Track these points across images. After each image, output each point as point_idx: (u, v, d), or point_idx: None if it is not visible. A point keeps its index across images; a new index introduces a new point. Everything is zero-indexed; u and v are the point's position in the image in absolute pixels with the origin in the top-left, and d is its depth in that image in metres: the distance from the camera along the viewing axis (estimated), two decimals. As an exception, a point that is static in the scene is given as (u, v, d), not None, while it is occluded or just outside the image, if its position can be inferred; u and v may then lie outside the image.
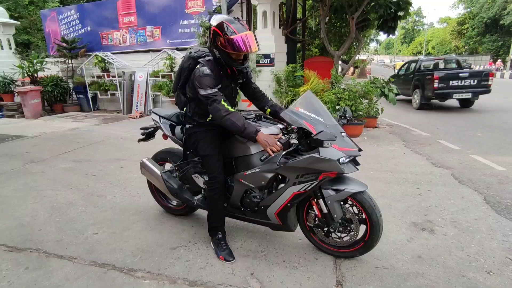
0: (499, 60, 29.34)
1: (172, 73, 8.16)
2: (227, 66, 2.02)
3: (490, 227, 2.52)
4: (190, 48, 2.28)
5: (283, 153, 1.86)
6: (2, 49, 9.96)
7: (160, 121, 2.53)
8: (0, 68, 8.87)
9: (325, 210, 1.97)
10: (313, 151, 1.81)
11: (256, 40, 1.94)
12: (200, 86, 1.95)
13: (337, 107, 5.67)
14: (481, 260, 2.10)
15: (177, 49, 8.35)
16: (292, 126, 1.95)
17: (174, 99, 2.39)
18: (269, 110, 2.26)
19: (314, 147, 1.80)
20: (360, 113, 5.83)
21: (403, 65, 11.40)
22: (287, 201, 1.96)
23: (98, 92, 9.14)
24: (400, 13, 6.25)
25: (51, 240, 2.41)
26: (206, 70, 1.96)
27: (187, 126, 2.25)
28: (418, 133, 6.00)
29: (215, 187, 2.11)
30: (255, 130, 1.90)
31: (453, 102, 9.22)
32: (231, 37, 1.85)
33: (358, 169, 1.87)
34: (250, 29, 1.99)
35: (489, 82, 8.26)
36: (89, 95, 9.22)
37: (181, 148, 2.47)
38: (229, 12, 7.08)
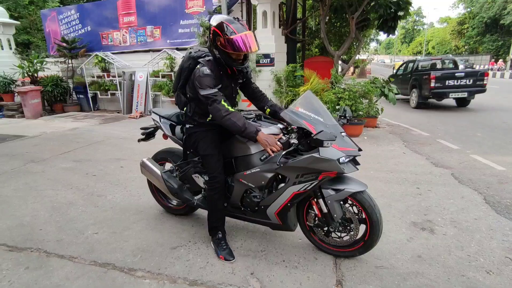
0: (500, 60, 29.32)
1: (172, 73, 8.16)
2: (227, 66, 2.02)
3: (490, 226, 2.53)
4: (190, 48, 2.29)
5: (283, 153, 1.87)
6: (2, 49, 9.96)
7: (160, 121, 2.53)
8: (0, 68, 8.88)
9: (325, 210, 1.97)
10: (313, 151, 1.81)
11: (256, 40, 1.94)
12: (200, 86, 1.95)
13: (337, 107, 5.67)
14: (481, 259, 2.11)
15: (177, 49, 8.35)
16: (292, 126, 1.96)
17: (174, 99, 2.39)
18: (268, 110, 2.27)
19: (314, 147, 1.80)
20: (360, 113, 5.83)
21: (401, 65, 11.58)
22: (287, 200, 1.96)
23: (98, 92, 9.14)
24: (400, 13, 6.25)
25: (51, 240, 2.42)
26: (206, 70, 1.96)
27: (187, 126, 2.25)
28: (418, 133, 6.01)
29: (215, 187, 2.11)
30: (255, 130, 1.90)
31: (450, 101, 9.32)
32: (231, 37, 1.86)
33: (358, 169, 1.88)
34: (250, 29, 1.99)
35: (484, 82, 8.41)
36: (89, 95, 9.22)
37: (181, 148, 2.47)
38: (229, 12, 7.08)
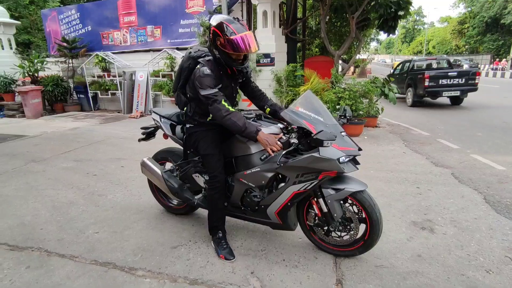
0: (504, 60, 29.29)
1: (173, 73, 8.16)
2: (227, 66, 2.02)
3: (490, 226, 2.53)
4: (190, 48, 2.29)
5: (283, 152, 1.87)
6: (3, 49, 9.97)
7: (161, 120, 2.54)
8: (1, 68, 8.90)
9: (325, 209, 1.97)
10: (313, 150, 1.82)
11: (256, 40, 1.94)
12: (201, 86, 1.95)
13: (337, 107, 5.66)
14: (481, 259, 2.11)
15: (178, 48, 8.35)
16: (292, 126, 1.96)
17: (174, 99, 2.40)
18: (268, 109, 2.27)
19: (314, 146, 1.81)
20: (360, 112, 5.83)
21: (398, 65, 11.93)
22: (287, 200, 1.96)
23: (98, 91, 9.14)
24: (401, 13, 6.23)
25: (52, 239, 2.43)
26: (206, 70, 1.96)
27: (188, 125, 2.26)
28: (418, 133, 6.01)
29: (215, 186, 2.11)
30: (255, 130, 1.91)
31: (445, 99, 9.59)
32: (231, 37, 1.86)
33: (358, 169, 1.88)
34: (250, 29, 1.99)
35: (476, 81, 8.77)
36: (90, 95, 9.23)
37: (182, 148, 2.47)
38: (229, 12, 7.08)
